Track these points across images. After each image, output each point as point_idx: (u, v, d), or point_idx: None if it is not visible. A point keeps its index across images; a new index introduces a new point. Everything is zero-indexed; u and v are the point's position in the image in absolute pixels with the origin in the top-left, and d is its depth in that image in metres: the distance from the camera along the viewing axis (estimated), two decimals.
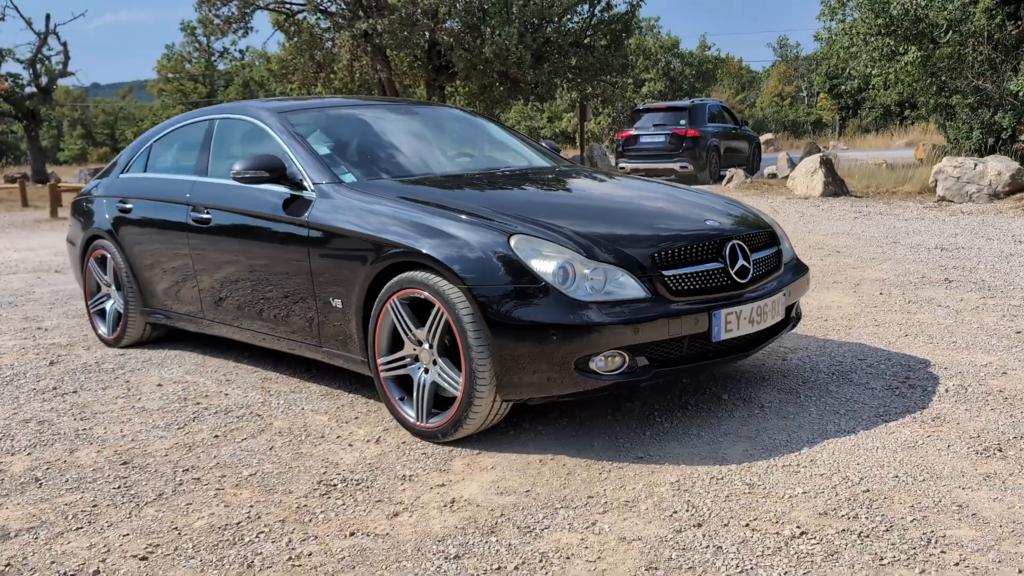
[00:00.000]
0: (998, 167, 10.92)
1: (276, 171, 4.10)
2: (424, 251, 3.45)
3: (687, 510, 2.87)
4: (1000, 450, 3.22)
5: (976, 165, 11.05)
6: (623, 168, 18.62)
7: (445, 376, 3.49)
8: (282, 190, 4.15)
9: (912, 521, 2.70)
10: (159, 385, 4.61)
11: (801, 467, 3.17)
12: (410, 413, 3.65)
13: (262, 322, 4.40)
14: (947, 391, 3.90)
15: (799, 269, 4.17)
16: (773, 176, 17.16)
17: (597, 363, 3.28)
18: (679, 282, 3.43)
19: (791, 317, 4.06)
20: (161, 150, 5.35)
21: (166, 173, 5.17)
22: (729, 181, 15.91)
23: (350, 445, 3.62)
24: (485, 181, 4.28)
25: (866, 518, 2.73)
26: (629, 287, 3.34)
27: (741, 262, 3.62)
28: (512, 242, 3.35)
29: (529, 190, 4.22)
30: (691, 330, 3.40)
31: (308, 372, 4.69)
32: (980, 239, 8.26)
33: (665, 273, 3.41)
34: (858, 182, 14.11)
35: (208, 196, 4.62)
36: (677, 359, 3.46)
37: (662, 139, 17.98)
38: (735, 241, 3.64)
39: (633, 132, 18.73)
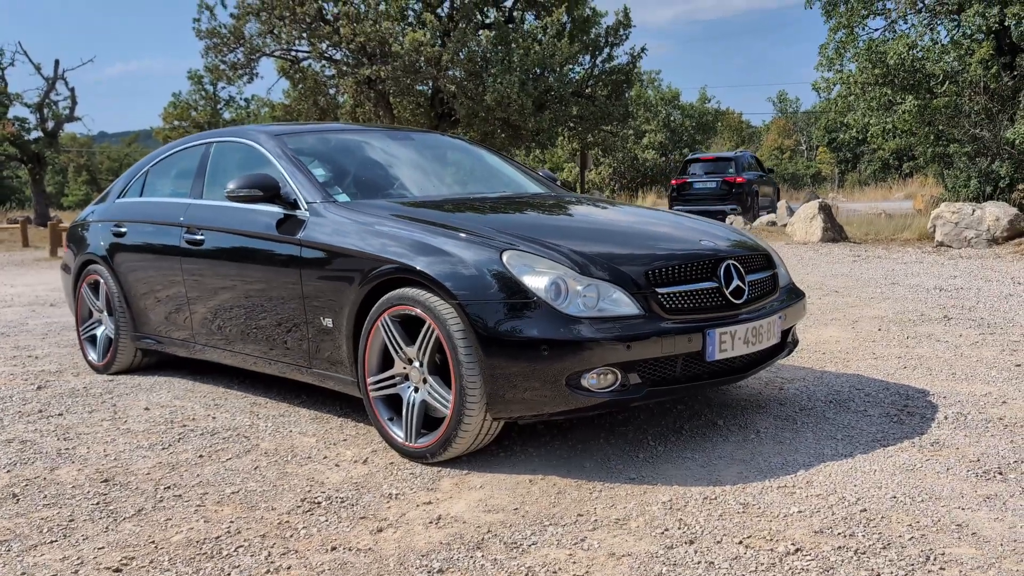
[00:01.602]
0: (996, 212, 10.94)
1: (270, 190, 4.09)
2: (417, 267, 3.42)
3: (679, 528, 2.79)
4: (1001, 473, 3.15)
5: (974, 211, 11.07)
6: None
7: (435, 394, 3.43)
8: (276, 210, 4.13)
9: (910, 539, 2.62)
10: (146, 409, 4.54)
11: (797, 488, 3.09)
12: (399, 433, 3.58)
13: (254, 345, 4.34)
14: (946, 418, 3.83)
15: (795, 294, 4.13)
16: (772, 224, 17.22)
17: (589, 380, 3.22)
18: (673, 300, 3.39)
19: (787, 342, 4.01)
20: (158, 175, 5.35)
21: (162, 197, 5.16)
22: None
23: (337, 465, 3.55)
24: (480, 204, 4.26)
25: (863, 536, 2.65)
26: (622, 304, 3.30)
27: (736, 282, 3.58)
28: (505, 258, 3.32)
29: (524, 212, 4.20)
30: (684, 348, 3.35)
31: (298, 397, 4.62)
32: (979, 280, 8.23)
33: (659, 291, 3.37)
34: (857, 229, 14.14)
35: (202, 217, 4.60)
36: (671, 379, 3.40)
37: (714, 185, 19.96)
38: (730, 261, 3.61)
39: (687, 179, 20.57)
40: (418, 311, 3.41)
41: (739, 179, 20.04)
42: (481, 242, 3.43)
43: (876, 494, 2.99)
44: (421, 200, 4.26)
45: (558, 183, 5.37)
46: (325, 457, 3.65)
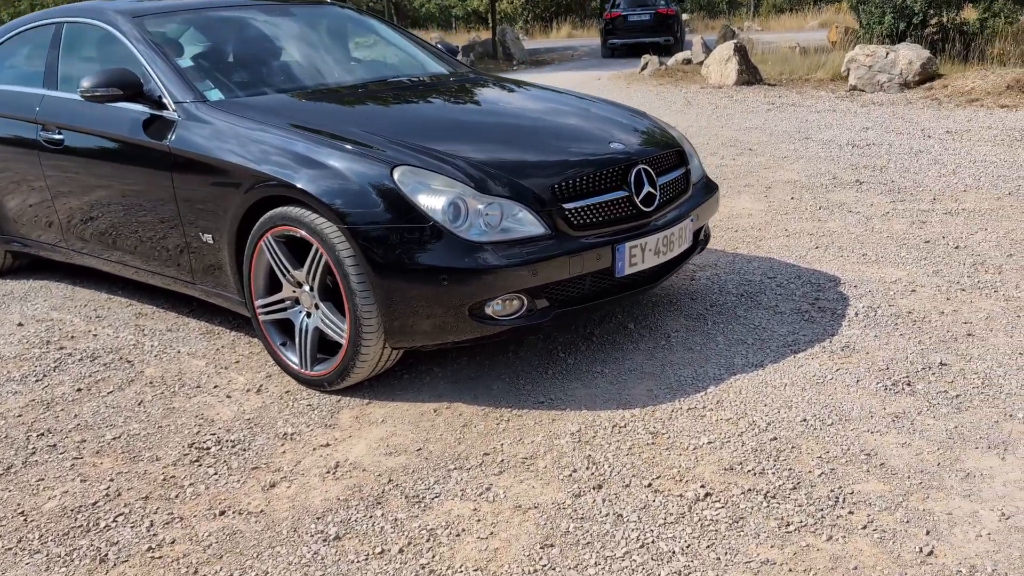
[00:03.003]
0: (909, 56, 10.83)
1: (131, 88, 3.62)
2: (298, 185, 3.09)
3: (587, 467, 2.69)
4: (909, 383, 3.12)
5: (888, 54, 10.93)
6: (613, 45, 21.19)
7: (328, 322, 3.19)
8: (140, 109, 3.69)
9: (820, 475, 2.57)
10: (20, 324, 4.20)
11: (707, 410, 3.01)
12: (293, 360, 3.36)
13: (132, 255, 3.99)
14: (856, 315, 3.79)
15: (708, 188, 3.94)
16: (688, 62, 16.84)
17: (493, 307, 3.02)
18: (581, 215, 3.17)
19: (699, 240, 3.86)
20: (2, 58, 4.73)
21: (10, 85, 4.57)
22: (644, 68, 15.54)
23: (228, 396, 3.33)
24: (369, 97, 3.88)
25: (773, 474, 2.59)
26: (527, 223, 3.06)
27: (647, 189, 3.36)
28: (396, 175, 3.02)
29: (418, 106, 3.84)
30: (593, 267, 3.16)
31: (188, 306, 4.32)
32: (891, 134, 8.19)
33: (566, 206, 3.13)
34: (772, 69, 13.90)
35: (59, 114, 4.11)
36: (579, 298, 3.23)
37: (647, 17, 20.85)
38: (641, 166, 3.37)
39: (620, 13, 21.18)
40: (303, 233, 3.12)
41: (670, 10, 20.88)
42: (370, 155, 3.11)
43: (786, 417, 2.93)
44: (305, 94, 3.85)
45: (458, 56, 4.96)
46: (216, 386, 3.42)
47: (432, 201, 2.98)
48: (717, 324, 3.77)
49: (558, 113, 3.87)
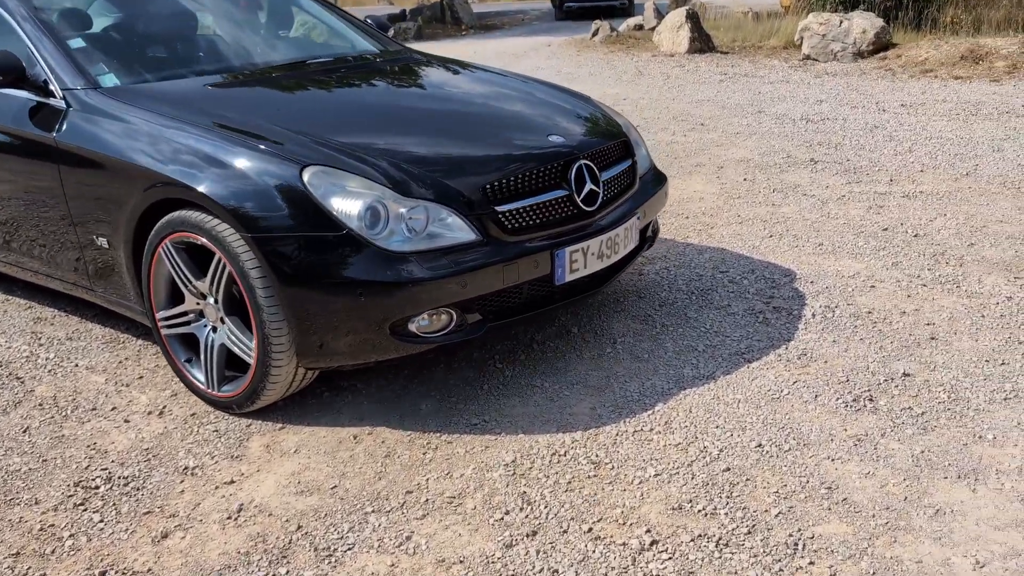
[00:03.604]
0: (863, 24, 10.62)
1: (13, 72, 3.22)
2: (194, 186, 2.74)
3: (521, 508, 2.41)
4: (871, 399, 2.89)
5: (842, 22, 10.71)
6: (569, 8, 21.06)
7: (235, 339, 2.86)
8: (25, 96, 3.28)
9: (777, 515, 2.32)
10: None
11: (654, 433, 2.75)
12: (200, 379, 3.02)
13: (28, 257, 3.60)
14: (814, 315, 3.55)
15: (657, 180, 3.65)
16: (640, 28, 16.48)
17: (419, 323, 2.72)
18: (516, 218, 2.86)
19: (647, 237, 3.57)
20: None
21: None
22: (595, 35, 15.16)
23: (126, 421, 2.99)
24: (284, 82, 3.51)
25: (725, 515, 2.34)
26: (456, 229, 2.75)
27: (589, 186, 3.06)
28: (306, 176, 2.68)
29: (338, 94, 3.48)
30: (530, 275, 2.87)
31: (92, 309, 3.93)
32: (845, 107, 7.97)
33: (499, 209, 2.82)
34: (724, 35, 13.62)
35: None
36: (516, 308, 2.94)
37: None
38: (583, 162, 3.07)
39: None
40: (204, 240, 2.77)
41: None
42: (277, 153, 2.76)
43: (740, 441, 2.67)
44: (213, 80, 3.46)
45: (389, 33, 4.59)
46: (114, 408, 3.08)
47: (347, 205, 2.65)
48: (666, 327, 3.51)
49: (493, 100, 3.54)
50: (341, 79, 3.62)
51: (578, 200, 3.01)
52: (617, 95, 9.06)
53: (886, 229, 4.60)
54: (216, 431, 2.89)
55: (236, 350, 2.87)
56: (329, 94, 3.45)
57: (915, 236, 4.47)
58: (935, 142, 6.47)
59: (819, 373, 3.08)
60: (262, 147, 2.78)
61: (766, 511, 2.34)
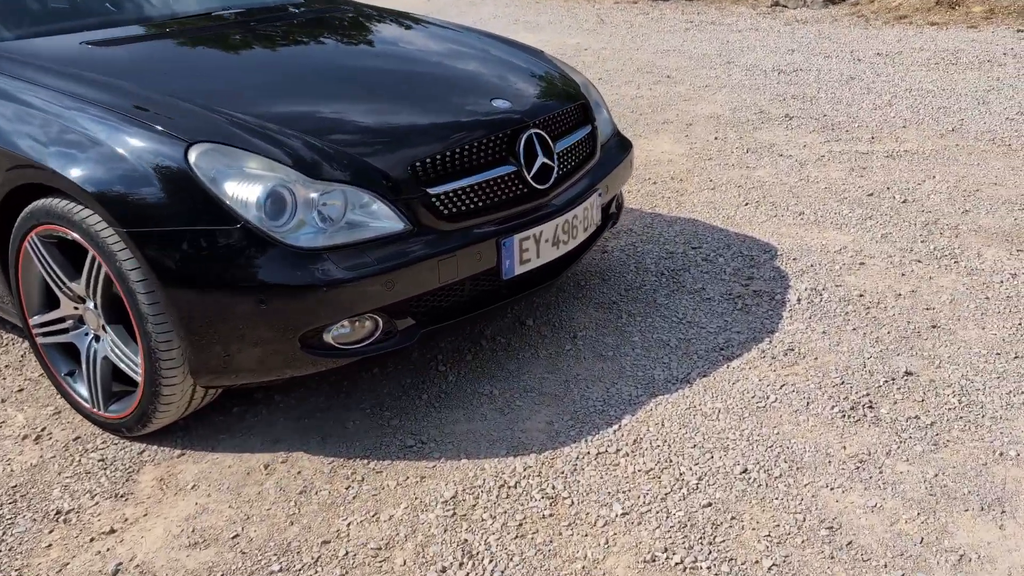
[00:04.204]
0: None
1: None
2: (56, 169, 2.23)
3: (460, 564, 1.99)
4: (871, 406, 2.49)
5: None
6: None
7: (119, 352, 2.38)
8: None
9: (771, 569, 1.92)
10: None
11: (621, 455, 2.33)
12: (83, 395, 2.54)
13: None
14: (799, 301, 3.13)
15: (621, 147, 3.19)
16: None
17: (337, 333, 2.25)
18: (454, 201, 2.39)
19: (610, 214, 3.12)
20: None
21: None
22: None
23: None
24: (180, 39, 2.96)
25: (708, 569, 1.93)
26: (380, 217, 2.28)
27: (541, 159, 2.59)
28: (193, 156, 2.18)
29: (247, 53, 2.95)
30: (473, 270, 2.41)
31: None
32: (818, 57, 7.52)
33: (432, 191, 2.35)
34: None
35: None
36: (456, 309, 2.48)
37: None
38: (533, 131, 2.59)
39: None
40: (75, 235, 2.27)
41: None
42: (159, 127, 2.25)
43: (722, 465, 2.26)
44: (91, 37, 2.87)
45: None
46: None
47: (244, 191, 2.16)
48: (633, 317, 3.08)
49: (428, 59, 3.04)
50: (250, 35, 3.07)
51: (528, 177, 2.55)
52: (578, 45, 8.53)
53: (871, 194, 4.19)
54: (102, 460, 2.42)
55: (121, 365, 2.39)
56: (233, 54, 2.92)
57: (903, 202, 4.06)
58: (915, 94, 6.05)
59: (809, 373, 2.67)
60: (141, 120, 2.27)
61: (757, 562, 1.94)
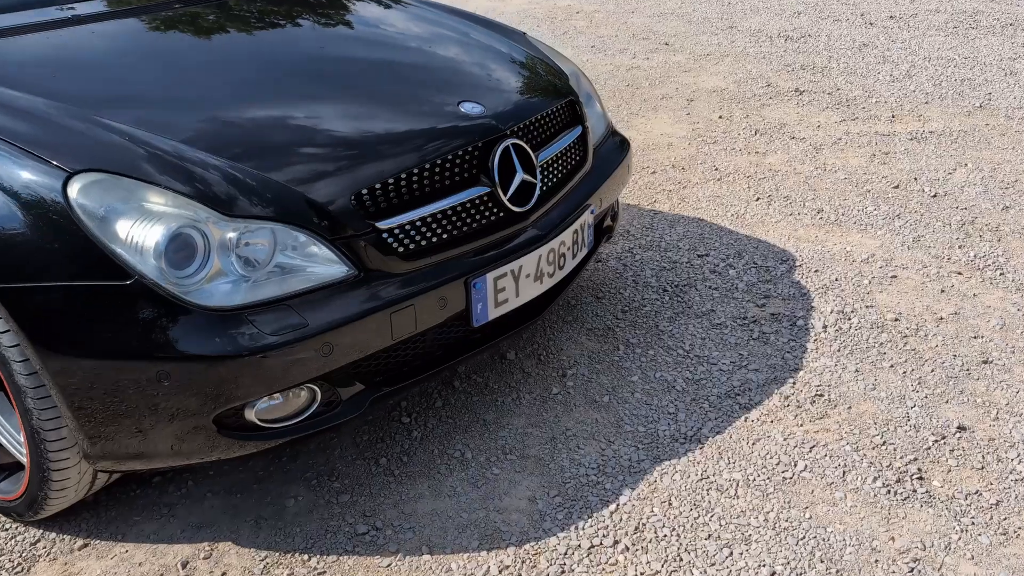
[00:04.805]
0: None
1: None
2: None
3: None
4: (921, 478, 2.06)
5: None
6: None
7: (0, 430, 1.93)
8: None
9: None
10: None
11: (619, 551, 1.91)
12: None
13: None
14: (825, 328, 2.69)
15: (618, 147, 2.72)
16: None
17: (262, 407, 1.80)
18: (411, 236, 1.93)
19: (604, 228, 2.66)
20: None
21: None
22: None
23: None
24: (76, 24, 2.43)
25: None
26: (317, 262, 1.82)
27: (521, 176, 2.12)
28: (73, 191, 1.71)
29: (151, 44, 2.41)
30: (435, 319, 1.96)
31: None
32: (826, 20, 6.99)
33: (383, 225, 1.88)
34: None
35: None
36: (414, 365, 2.02)
37: None
38: (511, 141, 2.12)
39: None
40: None
41: None
42: (32, 149, 1.77)
43: (745, 566, 1.83)
44: None
45: None
46: None
47: (141, 234, 1.70)
48: (632, 348, 2.63)
49: (384, 48, 2.54)
50: (167, 21, 2.55)
51: (504, 199, 2.08)
52: (569, 7, 7.97)
53: (897, 186, 3.72)
54: None
55: (2, 440, 1.94)
56: (136, 43, 2.39)
57: (934, 196, 3.60)
58: (936, 64, 5.55)
59: (843, 429, 2.23)
60: (9, 140, 1.79)
61: None
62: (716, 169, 4.03)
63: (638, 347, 2.64)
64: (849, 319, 2.73)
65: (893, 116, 4.62)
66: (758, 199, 3.67)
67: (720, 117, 4.77)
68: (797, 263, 3.10)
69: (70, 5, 2.45)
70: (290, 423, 1.84)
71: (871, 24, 6.78)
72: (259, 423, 1.80)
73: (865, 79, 5.32)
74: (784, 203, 3.62)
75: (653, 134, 4.55)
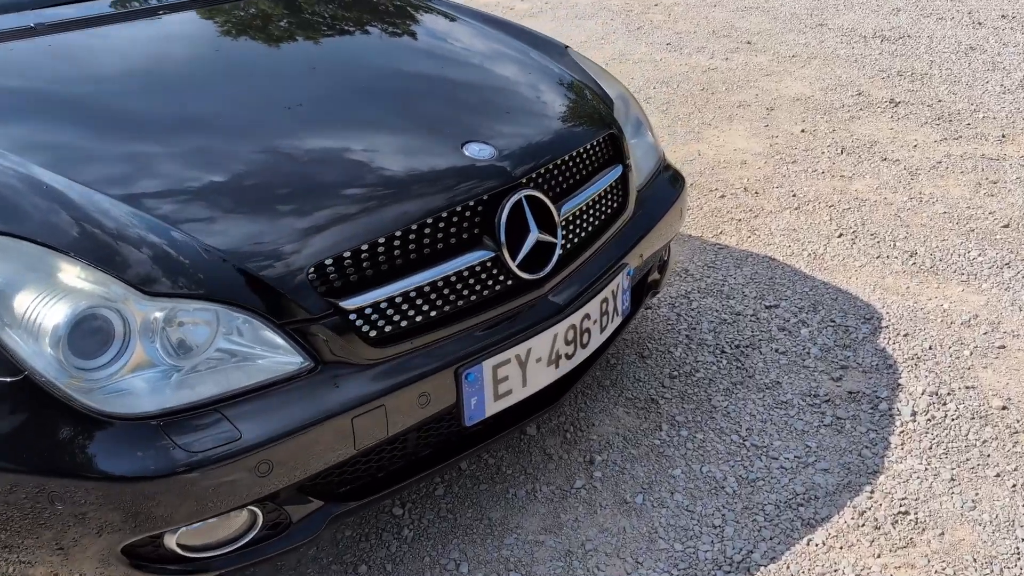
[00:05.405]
0: None
1: None
2: None
3: None
4: None
5: None
6: None
7: None
8: None
9: None
10: None
11: None
12: None
13: None
14: (914, 415, 2.21)
15: (673, 184, 2.27)
16: None
17: (186, 534, 1.44)
18: (386, 316, 1.54)
19: (649, 283, 2.23)
20: None
21: None
22: None
23: None
24: (34, 42, 2.08)
25: None
26: (266, 350, 1.44)
27: (535, 235, 1.71)
28: None
29: (108, 59, 2.01)
30: (413, 419, 1.56)
31: None
32: (929, 18, 6.34)
33: (348, 305, 1.49)
34: None
35: None
36: (395, 471, 1.64)
37: None
38: (525, 193, 1.70)
39: None
40: None
41: None
42: None
43: None
44: None
45: None
46: None
47: (42, 314, 1.34)
48: (678, 428, 2.20)
49: (370, 69, 2.11)
50: (98, 33, 2.12)
51: (512, 265, 1.67)
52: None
53: (1006, 225, 3.18)
54: None
55: None
56: (88, 62, 2.00)
57: None
58: None
59: (934, 566, 1.77)
60: None
61: None
62: (794, 195, 3.54)
63: (684, 427, 2.21)
64: (944, 404, 2.24)
65: (1003, 136, 4.03)
66: (840, 235, 3.18)
67: (803, 131, 4.25)
68: (883, 323, 2.61)
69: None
70: (221, 552, 1.47)
71: (980, 24, 6.10)
72: (179, 553, 1.44)
73: (971, 89, 4.72)
74: (871, 242, 3.12)
75: (726, 149, 4.07)
